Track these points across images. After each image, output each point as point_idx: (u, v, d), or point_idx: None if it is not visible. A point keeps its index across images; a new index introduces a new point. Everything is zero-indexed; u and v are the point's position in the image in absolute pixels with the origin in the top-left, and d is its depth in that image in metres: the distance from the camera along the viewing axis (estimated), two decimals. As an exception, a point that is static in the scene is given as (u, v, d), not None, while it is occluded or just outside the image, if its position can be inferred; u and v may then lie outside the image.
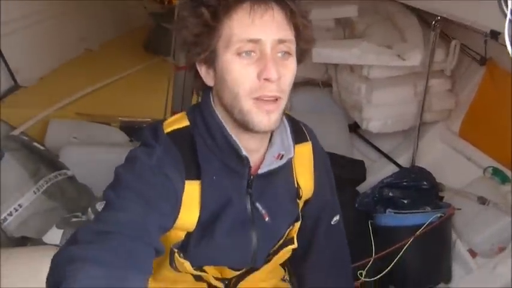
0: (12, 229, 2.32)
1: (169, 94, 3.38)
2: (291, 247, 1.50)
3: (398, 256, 2.64)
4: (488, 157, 2.99)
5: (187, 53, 1.29)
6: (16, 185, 2.40)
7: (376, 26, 3.56)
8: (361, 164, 3.49)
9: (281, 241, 1.50)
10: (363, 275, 2.61)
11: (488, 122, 3.05)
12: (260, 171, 1.34)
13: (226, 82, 1.23)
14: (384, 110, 3.42)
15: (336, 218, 1.62)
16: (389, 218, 2.78)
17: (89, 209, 2.50)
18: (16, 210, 2.33)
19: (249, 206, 1.36)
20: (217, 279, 1.48)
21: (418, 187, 2.89)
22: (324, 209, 1.59)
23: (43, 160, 2.58)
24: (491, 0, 1.70)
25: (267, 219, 1.37)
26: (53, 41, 4.34)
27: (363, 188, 3.29)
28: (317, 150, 1.54)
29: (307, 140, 1.51)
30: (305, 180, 1.50)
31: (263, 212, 1.37)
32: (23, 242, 2.33)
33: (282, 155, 1.35)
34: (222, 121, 1.28)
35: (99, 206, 2.54)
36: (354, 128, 3.84)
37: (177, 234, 1.32)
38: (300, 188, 1.48)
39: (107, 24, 5.35)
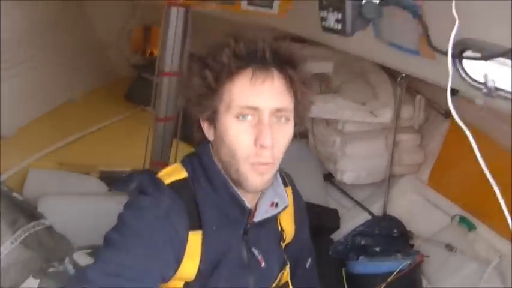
0: (-12, 279, 2.34)
1: (148, 144, 3.42)
2: None
3: (371, 302, 2.70)
4: (456, 205, 3.07)
5: (191, 110, 1.35)
6: (-6, 235, 2.42)
7: (350, 82, 3.67)
8: (335, 212, 3.55)
9: (274, 285, 1.52)
10: (336, 322, 2.67)
11: (455, 172, 3.14)
12: (256, 219, 1.39)
13: (224, 142, 1.28)
14: (357, 162, 3.50)
15: (309, 261, 1.68)
16: (362, 266, 2.83)
17: (66, 259, 2.50)
18: None
19: (245, 253, 1.40)
20: None
21: (389, 235, 2.98)
22: (302, 251, 1.64)
23: (21, 211, 2.58)
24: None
25: (263, 264, 1.43)
26: (35, 91, 4.34)
27: (337, 235, 3.34)
28: (296, 194, 1.61)
29: (287, 185, 1.57)
30: (287, 223, 1.56)
31: (259, 257, 1.42)
32: (-2, 292, 2.34)
33: (276, 203, 1.42)
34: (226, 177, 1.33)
35: (76, 256, 2.56)
36: (329, 177, 3.89)
37: (176, 284, 1.33)
38: (283, 231, 1.55)
39: (89, 74, 5.37)
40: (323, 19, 1.43)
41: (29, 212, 2.63)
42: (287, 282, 1.55)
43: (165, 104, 3.15)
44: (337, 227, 3.48)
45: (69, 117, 4.52)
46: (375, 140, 3.47)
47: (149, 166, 3.51)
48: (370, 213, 3.50)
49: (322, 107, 3.36)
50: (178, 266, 1.28)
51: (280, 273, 1.53)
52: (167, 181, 1.34)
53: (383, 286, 2.71)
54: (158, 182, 1.34)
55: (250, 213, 1.38)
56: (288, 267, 1.56)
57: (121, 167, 3.62)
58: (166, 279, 1.27)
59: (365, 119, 3.28)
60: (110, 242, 1.20)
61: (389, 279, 2.72)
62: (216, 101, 1.29)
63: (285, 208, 1.44)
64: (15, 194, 2.74)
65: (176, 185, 1.34)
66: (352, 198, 3.73)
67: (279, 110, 1.26)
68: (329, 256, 3.00)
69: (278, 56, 1.28)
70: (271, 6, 2.92)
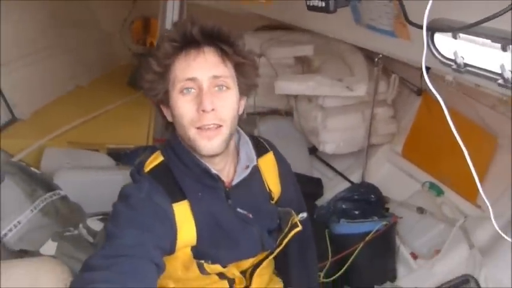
0: (12, 243, 2.33)
1: (150, 124, 3.42)
2: (297, 229, 1.55)
3: (351, 259, 2.74)
4: (426, 173, 3.09)
5: (148, 97, 1.40)
6: (15, 205, 2.41)
7: (329, 62, 3.65)
8: (319, 181, 3.59)
9: (287, 228, 1.55)
10: (321, 277, 2.67)
11: (426, 144, 3.15)
12: (233, 183, 1.44)
13: (176, 117, 1.34)
14: (337, 134, 3.49)
15: (303, 214, 1.67)
16: (343, 227, 2.85)
17: (80, 225, 2.52)
18: (15, 227, 2.34)
19: (232, 212, 1.44)
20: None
21: (367, 200, 2.99)
22: (290, 206, 1.64)
23: (39, 182, 2.58)
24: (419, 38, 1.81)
25: (251, 216, 1.47)
26: (47, 78, 4.34)
27: (321, 202, 3.37)
28: (278, 157, 1.64)
29: (268, 151, 1.61)
30: (273, 184, 1.59)
31: (244, 213, 1.46)
32: (21, 255, 2.34)
33: (248, 166, 1.46)
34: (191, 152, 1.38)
35: (89, 222, 2.56)
36: (313, 150, 3.91)
37: (184, 251, 1.38)
38: (271, 191, 1.58)
39: (95, 63, 5.35)
40: None
41: (46, 183, 2.62)
42: (296, 222, 1.56)
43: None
44: (321, 194, 3.52)
45: (77, 101, 4.50)
46: (353, 114, 3.46)
47: (152, 143, 3.51)
48: (350, 181, 3.52)
49: (304, 85, 3.36)
50: (174, 237, 1.34)
51: (291, 218, 1.56)
52: (147, 169, 1.40)
53: (362, 244, 2.75)
54: (140, 172, 1.40)
55: (222, 179, 1.42)
56: (295, 214, 1.58)
57: (126, 144, 3.60)
58: (167, 250, 1.32)
59: (342, 93, 3.26)
60: (108, 234, 1.26)
61: (367, 238, 2.75)
62: (163, 83, 1.34)
63: (257, 171, 1.51)
64: (33, 169, 2.73)
65: (154, 170, 1.40)
66: (334, 169, 3.74)
67: (216, 77, 1.31)
68: (314, 219, 3.01)
69: (206, 34, 1.31)
70: (259, -5, 2.89)
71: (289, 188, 1.67)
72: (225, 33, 1.34)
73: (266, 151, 1.60)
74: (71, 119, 3.92)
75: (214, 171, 1.38)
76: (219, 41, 1.33)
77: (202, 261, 1.40)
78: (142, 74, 1.36)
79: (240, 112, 1.44)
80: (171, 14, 3.21)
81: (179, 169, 1.39)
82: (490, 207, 1.28)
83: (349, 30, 2.47)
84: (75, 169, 3.10)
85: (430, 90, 2.97)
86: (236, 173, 1.46)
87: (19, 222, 2.37)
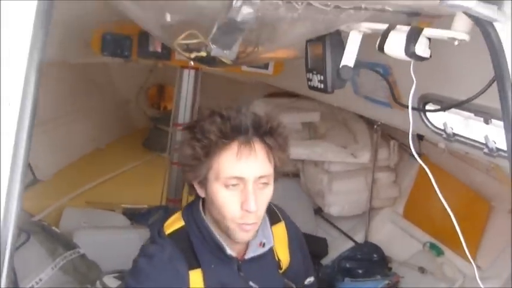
0: (33, 300, 2.40)
1: (165, 184, 3.50)
2: None
3: (356, 318, 2.76)
4: (427, 234, 3.14)
5: (184, 175, 1.40)
6: (38, 262, 2.46)
7: (334, 129, 3.79)
8: (324, 241, 3.64)
9: None
10: (327, 335, 2.71)
11: (425, 206, 3.20)
12: (246, 257, 1.45)
13: (214, 204, 1.33)
14: (342, 197, 3.58)
15: (310, 279, 1.70)
16: (347, 285, 2.89)
17: (97, 282, 2.58)
18: (37, 283, 2.38)
19: (243, 284, 1.44)
20: None
21: (370, 259, 3.03)
22: (298, 273, 1.65)
23: (60, 241, 2.64)
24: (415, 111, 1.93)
25: None
26: (66, 141, 4.40)
27: (326, 261, 3.42)
28: (289, 226, 1.62)
29: (280, 220, 1.60)
30: (283, 254, 1.58)
31: (256, 287, 1.46)
32: (41, 312, 2.39)
33: (264, 243, 1.46)
34: (211, 227, 1.38)
35: (106, 279, 2.63)
36: (318, 211, 3.96)
37: None
38: (280, 260, 1.57)
39: (112, 126, 5.45)
40: (309, 80, 1.54)
41: (65, 242, 2.68)
42: None
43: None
44: (326, 253, 3.55)
45: (96, 163, 4.58)
46: (357, 178, 3.56)
47: (165, 202, 3.59)
48: (354, 241, 3.56)
49: (311, 151, 3.48)
50: None
51: None
52: (168, 231, 1.42)
53: (366, 303, 2.78)
54: (161, 234, 1.42)
55: (239, 252, 1.43)
56: None
57: (141, 204, 3.68)
58: None
59: (346, 160, 3.39)
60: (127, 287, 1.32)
61: (371, 297, 2.79)
62: (205, 170, 1.31)
63: (270, 248, 1.49)
64: (54, 228, 2.81)
65: (175, 234, 1.41)
66: (338, 229, 3.79)
67: (261, 177, 1.30)
68: (319, 278, 3.04)
69: (259, 129, 1.32)
70: (266, 68, 3.05)
71: (297, 255, 1.64)
72: (274, 126, 1.34)
73: (278, 220, 1.59)
74: (89, 180, 4.01)
75: (229, 251, 1.39)
76: (268, 136, 1.32)
77: None
78: (183, 152, 1.34)
79: None
80: (187, 82, 3.36)
81: (197, 239, 1.39)
82: (475, 267, 1.35)
83: (349, 100, 2.60)
84: (92, 228, 3.18)
85: (428, 154, 3.08)
86: (250, 247, 1.45)
87: (41, 280, 2.41)
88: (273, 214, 1.59)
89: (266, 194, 1.34)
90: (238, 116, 1.32)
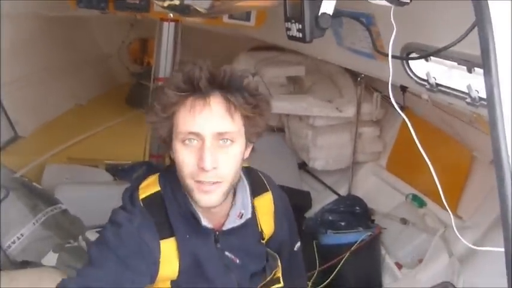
0: (15, 254, 2.39)
1: (147, 140, 3.48)
2: (277, 286, 1.53)
3: (338, 268, 2.81)
4: (409, 186, 3.17)
5: (155, 133, 1.36)
6: (18, 218, 2.46)
7: (320, 83, 3.77)
8: (307, 194, 3.67)
9: (269, 278, 1.52)
10: (309, 286, 2.74)
11: (408, 158, 3.20)
12: (224, 228, 1.39)
13: (176, 162, 1.28)
14: (326, 152, 3.61)
15: (298, 244, 1.67)
16: (330, 238, 2.92)
17: (80, 237, 2.58)
18: (18, 239, 2.40)
19: (219, 256, 1.40)
20: None
21: (352, 212, 3.06)
22: (282, 243, 1.60)
23: (40, 197, 2.64)
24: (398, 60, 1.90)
25: (238, 261, 1.43)
26: (47, 97, 4.36)
27: (309, 214, 3.45)
28: (276, 197, 1.55)
29: (267, 190, 1.53)
30: (266, 224, 1.52)
31: (232, 257, 1.42)
32: (23, 265, 2.38)
33: (243, 214, 1.40)
34: (188, 196, 1.31)
35: (88, 234, 2.63)
36: (303, 165, 3.98)
37: (164, 283, 1.35)
38: (262, 231, 1.51)
39: (94, 82, 5.39)
40: (288, 29, 1.48)
41: (47, 198, 2.67)
42: (278, 277, 1.54)
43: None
44: (309, 206, 3.59)
45: (77, 119, 4.54)
46: (341, 132, 3.57)
47: (148, 159, 3.58)
48: (338, 194, 3.61)
49: (296, 105, 3.47)
50: (155, 272, 1.31)
51: (273, 272, 1.53)
52: (142, 196, 1.36)
53: (347, 254, 2.82)
54: (134, 200, 1.36)
55: (210, 228, 1.37)
56: (279, 267, 1.55)
57: (124, 160, 3.66)
58: (146, 284, 1.31)
59: (331, 114, 3.38)
60: (90, 259, 1.28)
61: (352, 248, 2.83)
62: (166, 128, 1.29)
63: (251, 218, 1.43)
64: (34, 184, 2.79)
65: (149, 199, 1.35)
66: (322, 182, 3.83)
67: (221, 134, 1.24)
68: (302, 231, 3.07)
69: (216, 83, 1.25)
70: (248, 20, 2.99)
71: (283, 226, 1.59)
72: (236, 81, 1.27)
73: (264, 190, 1.53)
74: (70, 136, 3.96)
75: (204, 222, 1.34)
76: (228, 91, 1.25)
77: None
78: (150, 111, 1.31)
79: (245, 157, 1.37)
80: (167, 35, 3.29)
81: (172, 207, 1.34)
82: (452, 218, 1.36)
83: (332, 52, 2.57)
84: (74, 184, 3.16)
85: (412, 107, 3.07)
86: (229, 217, 1.40)
87: (22, 235, 2.42)
88: (260, 184, 1.53)
89: (230, 154, 1.27)
90: (193, 69, 1.25)
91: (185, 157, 1.25)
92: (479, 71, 1.63)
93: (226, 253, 1.42)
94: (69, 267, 2.34)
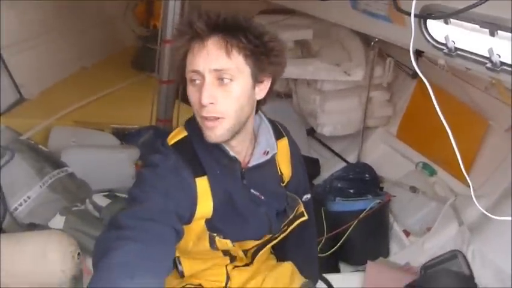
0: (22, 217, 2.38)
1: (154, 104, 3.43)
2: (302, 219, 1.62)
3: (346, 235, 2.80)
4: (419, 154, 3.15)
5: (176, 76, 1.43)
6: (25, 181, 2.45)
7: (328, 47, 3.69)
8: (316, 161, 3.64)
9: (292, 216, 1.60)
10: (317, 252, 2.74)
11: (419, 126, 3.20)
12: (250, 165, 1.47)
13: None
14: (334, 117, 3.55)
15: (307, 195, 1.75)
16: (338, 205, 2.90)
17: (87, 200, 2.57)
18: (25, 201, 2.39)
19: (246, 192, 1.49)
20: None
21: (361, 179, 3.03)
22: (298, 188, 1.69)
23: (47, 160, 2.62)
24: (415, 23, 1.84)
25: (262, 198, 1.52)
26: (52, 60, 4.31)
27: (318, 181, 3.42)
28: (291, 143, 1.66)
29: (284, 136, 1.63)
30: (285, 168, 1.63)
31: (257, 194, 1.51)
32: (30, 228, 2.38)
33: (268, 152, 1.48)
34: None
35: (96, 198, 2.62)
36: (311, 132, 3.96)
37: (198, 223, 1.43)
38: (282, 174, 1.62)
39: (99, 45, 5.31)
40: None
41: (53, 161, 2.65)
42: (302, 212, 1.63)
43: (167, 68, 3.18)
44: (318, 173, 3.57)
45: (83, 82, 4.49)
46: (350, 97, 3.52)
47: (155, 123, 3.54)
48: (347, 161, 3.57)
49: (303, 69, 3.40)
50: (194, 208, 1.38)
51: (297, 207, 1.62)
52: (171, 142, 1.44)
53: (356, 221, 2.80)
54: (165, 143, 1.44)
55: (242, 160, 1.46)
56: (301, 203, 1.64)
57: (130, 124, 3.62)
58: (185, 219, 1.37)
59: (339, 78, 3.32)
60: (133, 197, 1.31)
61: (361, 215, 2.81)
62: (180, 72, 1.38)
63: (273, 156, 1.50)
64: (41, 147, 2.77)
65: (178, 143, 1.44)
66: (331, 149, 3.79)
67: (217, 70, 1.29)
68: (311, 198, 3.05)
69: (211, 25, 1.30)
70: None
71: (299, 171, 1.71)
72: (233, 23, 1.32)
73: (282, 136, 1.62)
74: (76, 99, 3.92)
75: (232, 153, 1.41)
76: (225, 32, 1.30)
77: (215, 234, 1.45)
78: (172, 56, 1.39)
79: (259, 97, 1.42)
80: (174, -2, 3.21)
81: (200, 146, 1.41)
82: (471, 186, 1.32)
83: (346, 15, 2.50)
84: (81, 147, 3.13)
85: (426, 73, 3.02)
86: (254, 155, 1.48)
87: (29, 197, 2.41)
88: (277, 130, 1.60)
89: (229, 91, 1.31)
90: (192, 17, 1.32)
91: (192, 95, 1.34)
92: (502, 34, 1.57)
93: (252, 190, 1.50)
94: (77, 230, 2.34)
